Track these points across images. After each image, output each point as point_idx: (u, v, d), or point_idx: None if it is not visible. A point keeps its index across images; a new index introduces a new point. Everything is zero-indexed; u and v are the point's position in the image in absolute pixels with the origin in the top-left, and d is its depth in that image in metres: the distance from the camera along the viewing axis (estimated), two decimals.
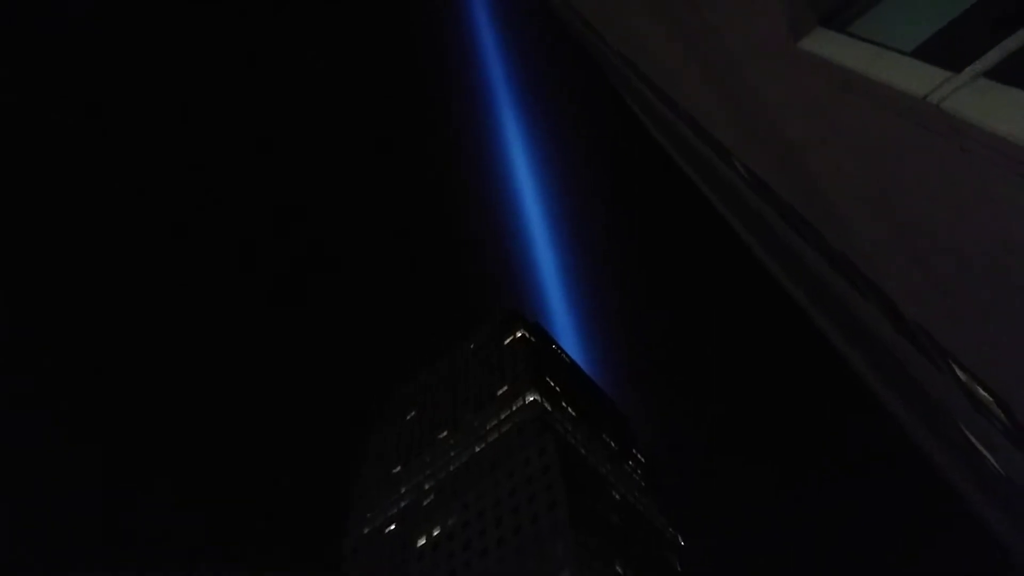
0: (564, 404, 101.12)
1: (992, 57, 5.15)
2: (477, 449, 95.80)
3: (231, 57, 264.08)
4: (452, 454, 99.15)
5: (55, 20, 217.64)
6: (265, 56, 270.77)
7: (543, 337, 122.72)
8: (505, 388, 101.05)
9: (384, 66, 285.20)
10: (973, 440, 15.83)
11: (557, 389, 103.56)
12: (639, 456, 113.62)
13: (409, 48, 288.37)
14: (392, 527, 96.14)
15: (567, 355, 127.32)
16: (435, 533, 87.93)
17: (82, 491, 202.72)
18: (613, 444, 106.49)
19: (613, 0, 21.77)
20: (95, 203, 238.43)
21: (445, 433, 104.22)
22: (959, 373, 11.13)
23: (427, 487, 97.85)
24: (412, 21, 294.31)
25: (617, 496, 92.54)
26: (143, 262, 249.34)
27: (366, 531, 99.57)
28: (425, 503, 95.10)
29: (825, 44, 7.23)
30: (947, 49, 5.66)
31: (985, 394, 10.44)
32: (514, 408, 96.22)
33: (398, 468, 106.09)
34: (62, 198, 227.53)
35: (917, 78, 5.60)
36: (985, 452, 15.56)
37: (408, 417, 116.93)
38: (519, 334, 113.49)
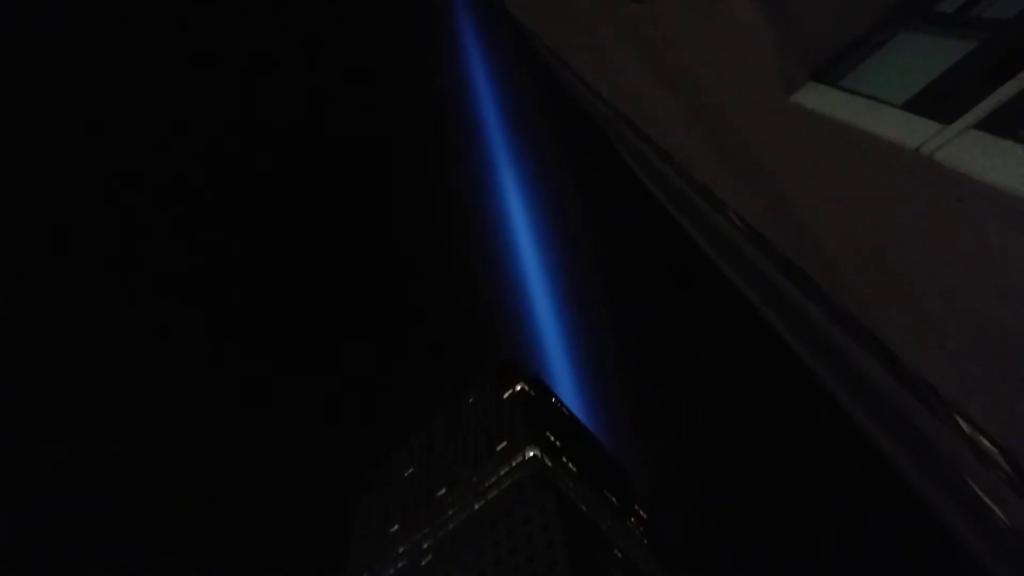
0: (565, 459, 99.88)
1: (981, 109, 5.25)
2: (476, 507, 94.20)
3: (233, 67, 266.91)
4: (450, 512, 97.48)
5: (55, 20, 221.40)
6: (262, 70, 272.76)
7: (542, 390, 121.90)
8: (504, 443, 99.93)
9: (379, 117, 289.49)
10: (979, 492, 15.60)
11: (557, 444, 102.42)
12: (641, 512, 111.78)
13: (406, 104, 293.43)
14: None
15: (567, 408, 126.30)
16: None
17: (82, 492, 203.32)
18: (615, 500, 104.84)
19: (608, 57, 22.27)
20: (95, 204, 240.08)
21: (443, 490, 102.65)
22: (963, 424, 11.03)
23: (425, 546, 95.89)
24: (411, 76, 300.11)
25: (619, 554, 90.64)
26: (144, 263, 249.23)
27: None
28: (423, 563, 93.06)
29: (817, 98, 7.36)
30: (937, 102, 5.77)
31: (990, 446, 10.33)
32: (514, 464, 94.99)
33: (395, 527, 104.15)
34: (62, 199, 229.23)
35: (909, 130, 5.69)
36: (992, 505, 15.32)
37: (405, 474, 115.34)
38: (518, 387, 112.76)
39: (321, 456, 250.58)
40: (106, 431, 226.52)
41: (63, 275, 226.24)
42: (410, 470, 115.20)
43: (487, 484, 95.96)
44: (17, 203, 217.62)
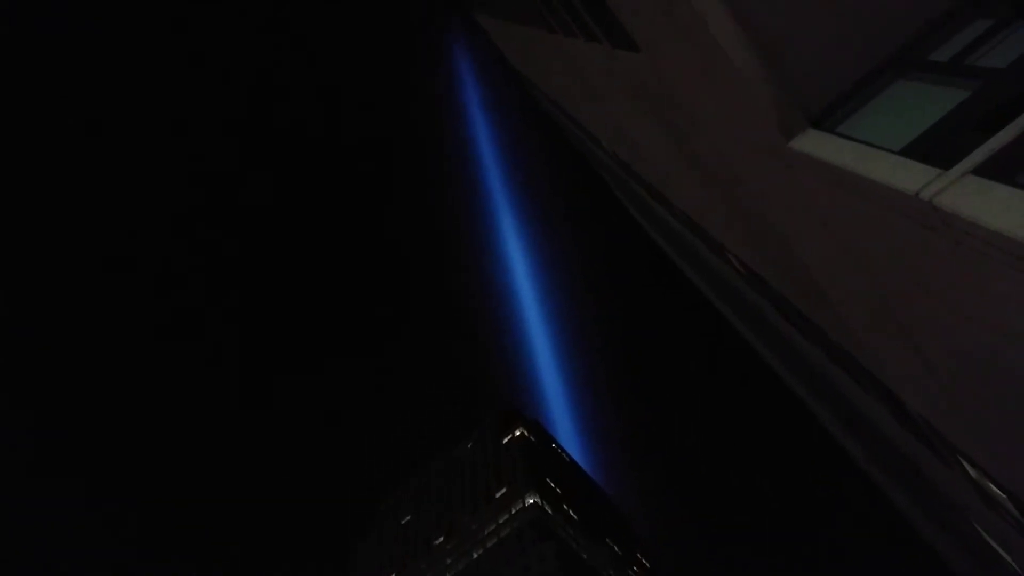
0: (565, 507, 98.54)
1: (979, 155, 5.35)
2: (475, 555, 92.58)
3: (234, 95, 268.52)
4: (448, 561, 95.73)
5: (55, 20, 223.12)
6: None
7: (542, 436, 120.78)
8: (504, 490, 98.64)
9: (376, 162, 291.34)
10: (987, 538, 15.41)
11: (558, 491, 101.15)
12: (643, 560, 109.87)
13: (403, 146, 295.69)
14: None
15: (568, 454, 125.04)
16: None
17: (82, 493, 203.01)
18: (616, 548, 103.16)
19: (605, 103, 22.64)
20: (95, 204, 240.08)
21: (441, 539, 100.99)
22: (969, 469, 10.95)
23: None
24: (408, 120, 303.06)
25: None
26: (144, 263, 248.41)
27: None
28: None
29: (816, 144, 7.48)
30: (934, 148, 5.89)
31: (997, 491, 10.24)
32: (513, 511, 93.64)
33: None
34: (62, 198, 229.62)
35: (908, 175, 5.78)
36: (1000, 550, 15.12)
37: (402, 521, 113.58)
38: (518, 432, 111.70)
39: (321, 456, 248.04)
40: (106, 431, 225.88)
41: (63, 275, 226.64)
42: (407, 517, 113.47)
43: (486, 532, 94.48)
44: (17, 203, 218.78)
